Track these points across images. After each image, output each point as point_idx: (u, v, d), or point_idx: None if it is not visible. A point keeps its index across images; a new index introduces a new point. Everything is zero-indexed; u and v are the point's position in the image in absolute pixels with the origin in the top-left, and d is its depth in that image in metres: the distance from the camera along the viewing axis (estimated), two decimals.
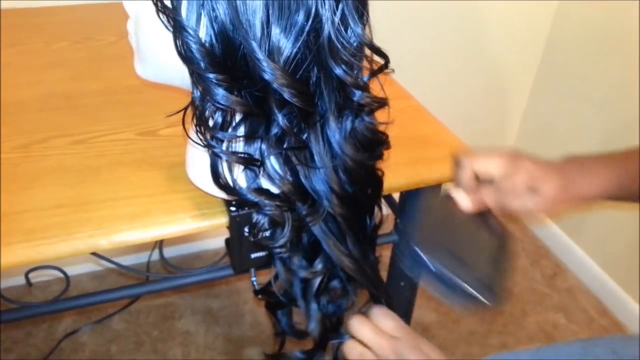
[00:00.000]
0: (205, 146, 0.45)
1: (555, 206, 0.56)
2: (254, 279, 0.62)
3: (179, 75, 0.44)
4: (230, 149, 0.46)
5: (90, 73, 0.79)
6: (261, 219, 0.49)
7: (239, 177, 0.48)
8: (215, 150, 0.44)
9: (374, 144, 0.50)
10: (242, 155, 0.45)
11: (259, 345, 1.27)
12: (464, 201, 0.57)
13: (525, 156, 0.58)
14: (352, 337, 0.53)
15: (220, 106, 0.41)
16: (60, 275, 0.63)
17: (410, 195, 0.69)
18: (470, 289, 0.51)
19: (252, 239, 0.52)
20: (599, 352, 0.64)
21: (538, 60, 1.51)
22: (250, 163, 0.46)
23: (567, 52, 1.42)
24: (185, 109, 0.45)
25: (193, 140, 0.46)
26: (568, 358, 0.64)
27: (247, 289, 1.42)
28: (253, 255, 0.58)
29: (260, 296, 0.61)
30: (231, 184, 0.48)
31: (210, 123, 0.43)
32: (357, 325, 0.53)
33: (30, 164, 0.60)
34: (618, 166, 0.57)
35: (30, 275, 0.61)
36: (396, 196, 0.72)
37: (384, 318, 0.53)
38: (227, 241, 0.60)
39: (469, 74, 1.48)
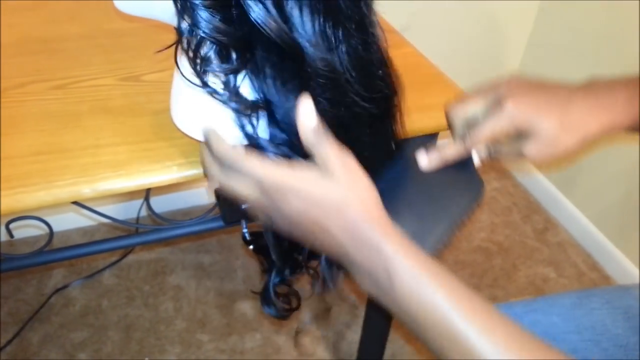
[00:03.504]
0: (202, 86, 0.41)
1: (553, 151, 0.50)
2: (245, 230, 0.60)
3: (159, 5, 0.40)
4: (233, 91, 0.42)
5: (69, 16, 0.75)
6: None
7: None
8: (215, 94, 0.41)
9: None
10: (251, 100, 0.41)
11: (252, 299, 1.27)
12: (423, 160, 0.54)
13: (517, 89, 0.50)
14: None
15: (212, 37, 0.38)
16: (46, 230, 0.60)
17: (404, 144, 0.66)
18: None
19: None
20: (593, 303, 0.64)
21: (534, 11, 1.47)
22: (257, 109, 0.42)
23: (563, 3, 1.38)
24: (176, 43, 0.42)
25: (191, 82, 0.42)
26: (563, 309, 0.64)
27: (239, 245, 1.41)
28: (244, 206, 0.56)
29: (251, 247, 0.59)
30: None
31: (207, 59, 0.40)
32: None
33: (7, 110, 0.56)
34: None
35: (15, 231, 0.58)
36: None
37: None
38: (217, 192, 0.58)
39: (465, 27, 1.44)
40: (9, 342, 1.13)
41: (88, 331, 1.18)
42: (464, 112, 0.53)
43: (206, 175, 0.46)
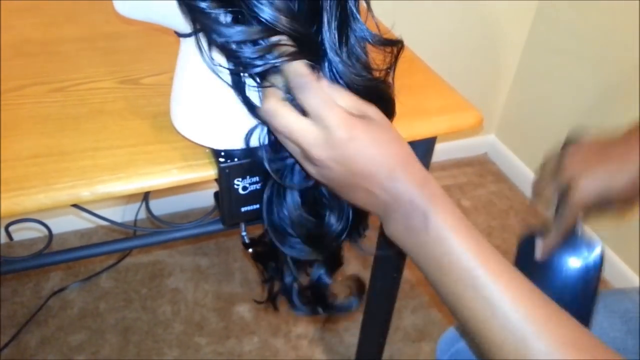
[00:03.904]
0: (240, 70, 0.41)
1: (634, 200, 0.55)
2: (244, 233, 0.60)
3: (159, 9, 0.40)
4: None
5: (68, 18, 0.75)
6: None
7: None
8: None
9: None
10: None
11: (249, 302, 1.27)
12: (537, 252, 0.59)
13: (577, 168, 0.56)
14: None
15: (234, 40, 0.38)
16: (45, 232, 0.60)
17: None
18: None
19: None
20: None
21: (533, 11, 1.48)
22: None
23: (561, 5, 1.38)
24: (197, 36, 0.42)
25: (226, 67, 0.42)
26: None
27: (237, 247, 1.41)
28: (243, 209, 0.57)
29: (250, 250, 0.59)
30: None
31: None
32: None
33: (5, 112, 0.56)
34: None
35: (14, 234, 0.58)
36: None
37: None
38: (216, 194, 0.58)
39: (462, 29, 1.44)
40: (6, 345, 1.13)
41: (85, 334, 1.18)
42: (547, 207, 0.60)
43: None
